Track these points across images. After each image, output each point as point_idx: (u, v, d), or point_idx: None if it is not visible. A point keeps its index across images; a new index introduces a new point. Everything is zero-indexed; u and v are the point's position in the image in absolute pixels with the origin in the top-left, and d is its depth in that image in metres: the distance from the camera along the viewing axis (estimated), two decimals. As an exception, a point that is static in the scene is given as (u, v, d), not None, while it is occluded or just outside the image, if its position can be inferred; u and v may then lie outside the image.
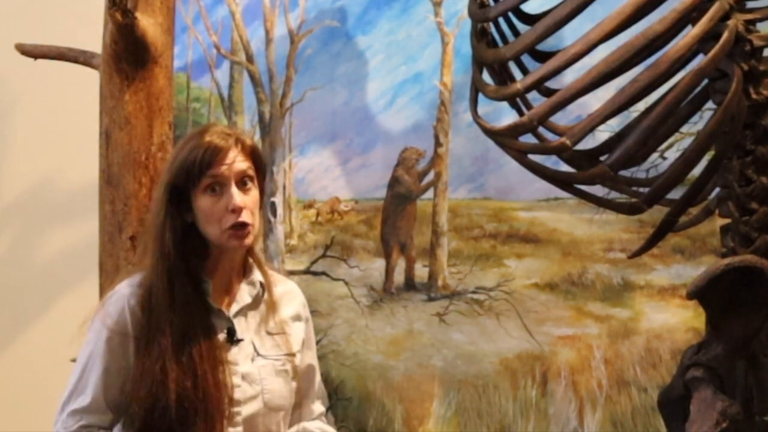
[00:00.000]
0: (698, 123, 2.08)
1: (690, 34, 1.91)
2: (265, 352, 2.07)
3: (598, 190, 2.17)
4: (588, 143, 2.06)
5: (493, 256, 3.02)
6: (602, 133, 2.22)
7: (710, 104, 2.02)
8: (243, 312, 2.08)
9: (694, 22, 1.94)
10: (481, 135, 2.19)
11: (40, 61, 3.24)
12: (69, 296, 3.80)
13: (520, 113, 2.19)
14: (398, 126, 3.24)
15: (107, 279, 2.87)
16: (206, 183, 1.99)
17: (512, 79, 2.17)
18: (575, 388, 2.81)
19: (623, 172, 2.11)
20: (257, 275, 2.11)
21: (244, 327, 2.07)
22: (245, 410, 2.02)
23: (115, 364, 1.99)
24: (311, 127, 3.46)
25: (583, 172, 2.07)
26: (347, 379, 3.26)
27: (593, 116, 1.96)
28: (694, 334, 2.54)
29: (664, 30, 1.92)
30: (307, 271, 3.43)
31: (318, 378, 2.24)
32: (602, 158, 2.05)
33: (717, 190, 2.08)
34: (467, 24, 2.26)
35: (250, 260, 2.13)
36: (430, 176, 3.17)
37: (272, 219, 3.53)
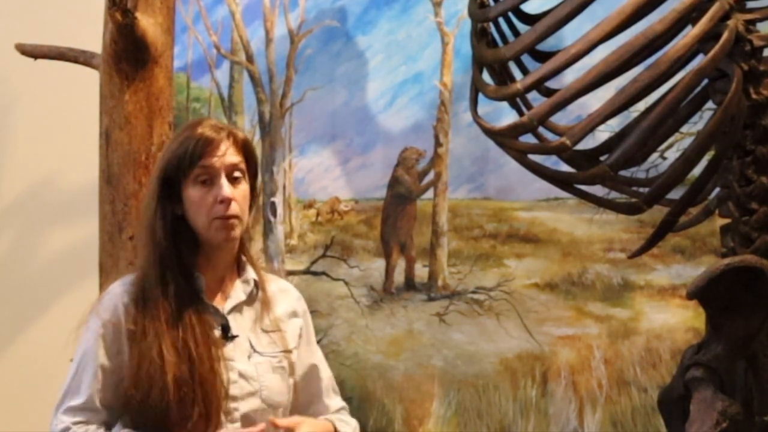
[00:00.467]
0: (698, 123, 2.08)
1: (690, 34, 1.91)
2: (261, 349, 2.08)
3: (598, 190, 2.17)
4: (588, 143, 2.06)
5: (493, 256, 3.02)
6: (602, 133, 2.22)
7: (710, 104, 2.02)
8: (238, 309, 2.08)
9: (694, 22, 1.94)
10: (481, 135, 2.19)
11: (40, 61, 3.24)
12: (69, 296, 3.79)
13: (520, 113, 2.19)
14: (398, 126, 3.24)
15: (107, 279, 2.87)
16: (196, 174, 2.01)
17: (512, 79, 2.17)
18: (575, 388, 2.81)
19: (623, 172, 2.11)
20: (251, 273, 2.12)
21: (239, 324, 2.07)
22: (243, 407, 2.02)
23: (110, 361, 2.00)
24: (311, 127, 3.46)
25: (583, 172, 2.07)
26: (347, 379, 3.25)
27: (593, 116, 1.96)
28: (694, 334, 2.54)
29: (664, 30, 1.92)
30: (307, 271, 3.43)
31: (327, 373, 2.23)
32: (602, 158, 2.05)
33: (717, 190, 2.08)
34: (467, 24, 2.26)
35: (244, 259, 2.13)
36: (430, 176, 3.17)
37: (272, 219, 3.53)
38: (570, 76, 2.06)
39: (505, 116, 2.41)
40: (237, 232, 2.03)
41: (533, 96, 2.13)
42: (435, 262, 3.14)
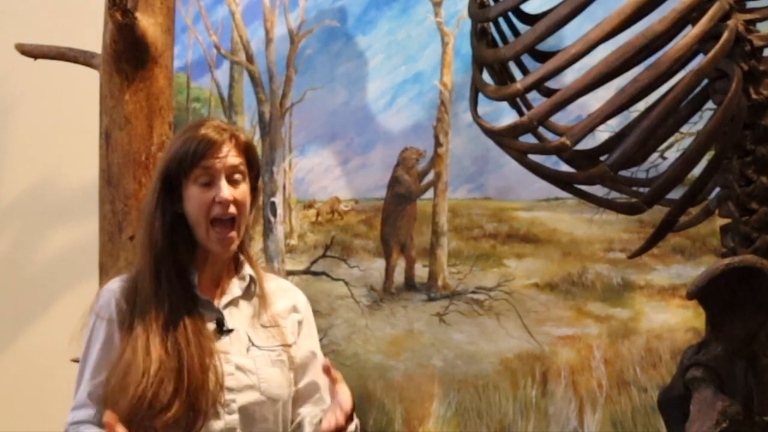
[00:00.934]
0: (698, 123, 2.08)
1: (690, 34, 1.91)
2: (260, 343, 2.08)
3: (598, 190, 2.17)
4: (588, 143, 2.06)
5: (493, 256, 3.02)
6: (602, 133, 2.22)
7: (710, 104, 2.02)
8: (234, 304, 2.10)
9: (694, 22, 1.94)
10: (481, 135, 2.19)
11: (40, 61, 3.24)
12: (69, 296, 3.79)
13: (520, 113, 2.19)
14: (398, 126, 3.24)
15: (107, 279, 2.85)
16: (197, 174, 2.02)
17: (512, 79, 2.17)
18: (575, 388, 2.81)
19: (623, 172, 2.11)
20: (248, 269, 2.14)
21: (235, 319, 2.08)
22: (240, 398, 2.03)
23: (104, 355, 2.02)
24: (311, 127, 3.46)
25: (583, 172, 2.07)
26: (347, 379, 3.22)
27: (593, 116, 1.96)
28: (694, 334, 2.54)
29: (664, 30, 1.92)
30: (307, 271, 3.43)
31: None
32: (602, 158, 2.05)
33: (717, 190, 2.08)
34: (467, 24, 2.26)
35: (241, 257, 2.14)
36: (430, 176, 3.17)
37: (272, 219, 3.53)
38: (570, 76, 2.07)
39: (505, 116, 2.41)
40: (233, 243, 2.05)
41: (533, 96, 2.13)
42: (435, 262, 3.14)
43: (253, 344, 2.08)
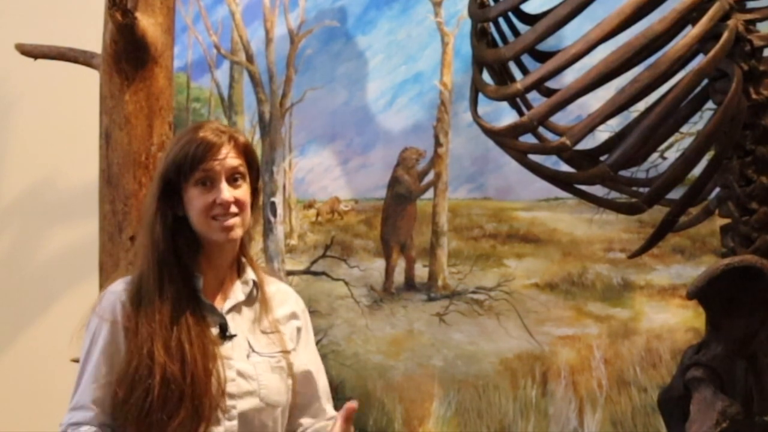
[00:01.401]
0: (698, 123, 2.08)
1: (690, 34, 1.91)
2: (260, 349, 2.09)
3: (598, 190, 2.17)
4: (588, 143, 2.06)
5: (493, 256, 3.02)
6: (602, 133, 2.22)
7: (710, 104, 2.02)
8: (236, 309, 2.10)
9: (694, 22, 1.94)
10: (481, 135, 2.19)
11: (40, 61, 3.24)
12: (69, 296, 3.80)
13: (520, 113, 2.19)
14: (398, 126, 3.24)
15: (107, 279, 2.86)
16: (197, 177, 2.03)
17: (512, 79, 2.17)
18: (575, 388, 2.81)
19: (623, 172, 2.11)
20: (250, 274, 2.14)
21: (237, 324, 2.09)
22: (241, 405, 2.03)
23: (107, 360, 2.01)
24: (311, 127, 3.46)
25: (583, 172, 2.07)
26: (347, 379, 3.26)
27: (593, 116, 1.96)
28: (694, 334, 2.54)
29: (664, 30, 1.92)
30: (307, 271, 3.43)
31: (324, 377, 2.24)
32: (602, 158, 2.05)
33: (717, 190, 2.08)
34: (467, 24, 2.26)
35: (244, 260, 2.15)
36: (430, 176, 3.17)
37: (272, 219, 3.53)
38: (570, 76, 2.06)
39: (505, 116, 2.41)
40: (237, 232, 2.05)
41: (533, 96, 2.13)
42: (435, 262, 3.14)
43: (253, 350, 2.08)
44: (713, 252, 2.54)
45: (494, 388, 2.97)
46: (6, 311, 4.02)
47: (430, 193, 3.17)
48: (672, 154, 2.34)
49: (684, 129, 2.10)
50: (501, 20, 2.18)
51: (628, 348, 2.72)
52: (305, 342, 2.19)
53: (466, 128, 3.04)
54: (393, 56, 3.26)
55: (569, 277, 2.85)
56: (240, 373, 2.04)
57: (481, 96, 2.18)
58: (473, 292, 3.05)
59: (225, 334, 2.05)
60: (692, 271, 2.59)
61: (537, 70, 2.03)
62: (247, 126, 3.58)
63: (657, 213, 2.13)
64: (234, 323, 2.08)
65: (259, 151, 3.42)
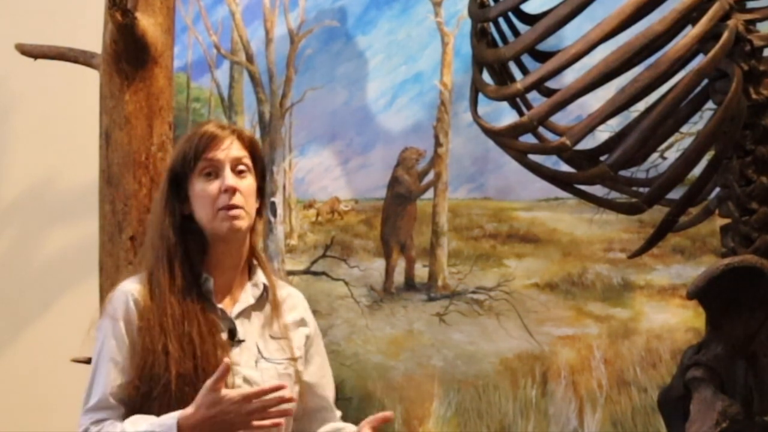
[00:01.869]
0: (698, 123, 2.08)
1: (690, 34, 1.91)
2: (268, 355, 2.07)
3: (598, 190, 2.17)
4: (588, 143, 2.06)
5: (493, 256, 3.02)
6: (602, 133, 2.22)
7: (710, 104, 2.02)
8: (246, 314, 2.08)
9: (694, 22, 1.94)
10: (481, 135, 2.19)
11: (40, 61, 3.24)
12: (69, 296, 3.79)
13: (520, 113, 2.19)
14: (398, 126, 3.24)
15: (107, 279, 2.87)
16: (202, 167, 2.03)
17: (512, 79, 2.17)
18: (575, 388, 2.81)
19: (623, 172, 2.11)
20: (261, 277, 2.11)
21: (247, 329, 2.07)
22: None
23: (121, 357, 2.00)
24: (311, 127, 3.46)
25: (583, 172, 2.07)
26: (347, 379, 3.25)
27: (593, 116, 1.96)
28: (694, 334, 2.54)
29: (664, 30, 1.92)
30: (307, 271, 3.43)
31: (332, 384, 2.24)
32: (602, 158, 2.05)
33: (717, 190, 2.08)
34: (467, 24, 2.26)
35: (255, 262, 2.13)
36: (430, 176, 3.17)
37: (272, 219, 3.53)
38: (570, 76, 2.06)
39: (505, 116, 2.41)
40: (242, 222, 2.02)
41: (533, 96, 2.13)
42: (435, 262, 3.14)
43: (262, 356, 2.06)
44: (713, 252, 2.54)
45: (494, 388, 2.97)
46: (6, 311, 4.02)
47: (430, 193, 3.17)
48: (672, 154, 2.34)
49: (684, 129, 2.10)
50: (501, 20, 2.18)
51: (628, 348, 2.72)
52: (316, 351, 2.19)
53: (466, 128, 3.03)
54: (393, 56, 3.26)
55: (569, 277, 2.85)
56: (246, 380, 2.02)
57: (481, 96, 2.18)
58: (473, 292, 3.05)
59: (234, 340, 2.04)
60: (692, 271, 2.59)
61: (537, 70, 2.03)
62: (247, 126, 3.57)
63: (657, 213, 2.13)
64: (243, 328, 2.06)
65: (259, 151, 3.42)
